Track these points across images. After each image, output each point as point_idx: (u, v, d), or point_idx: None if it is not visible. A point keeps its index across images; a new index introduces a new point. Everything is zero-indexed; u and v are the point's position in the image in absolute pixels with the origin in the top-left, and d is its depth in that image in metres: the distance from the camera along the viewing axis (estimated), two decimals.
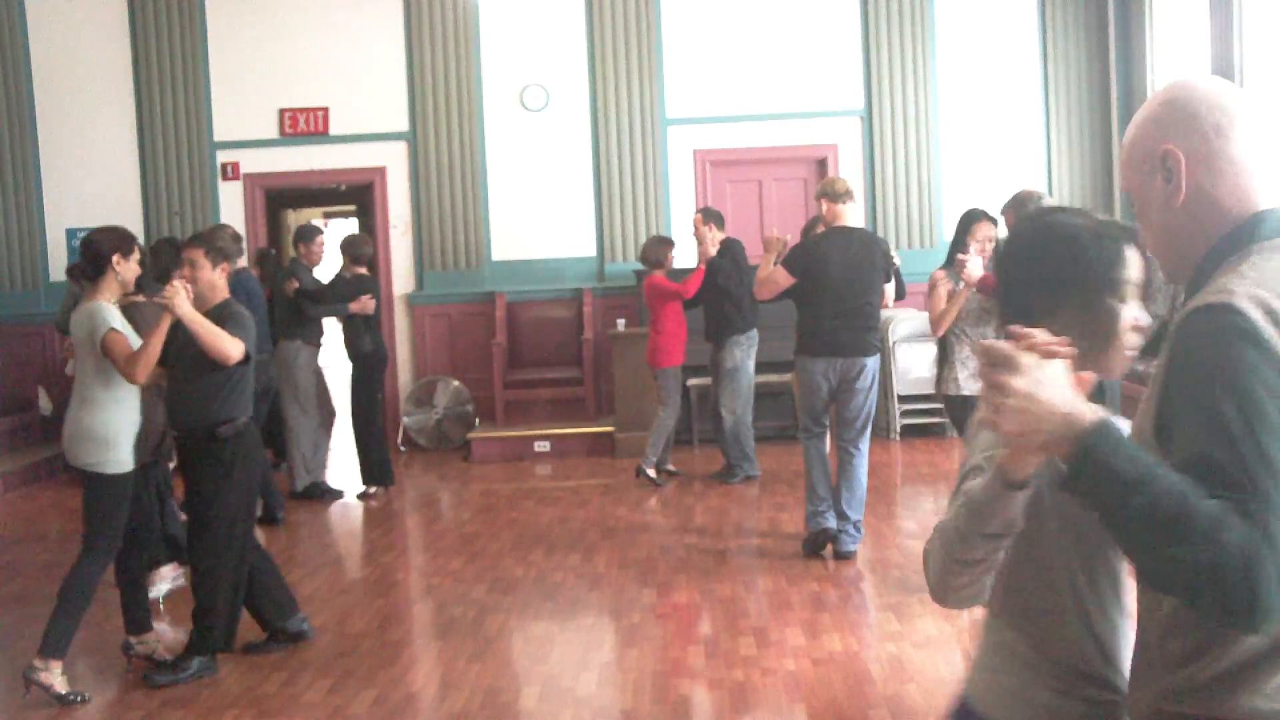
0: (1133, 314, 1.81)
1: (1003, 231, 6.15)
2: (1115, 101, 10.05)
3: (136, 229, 10.40)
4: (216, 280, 4.97)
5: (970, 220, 6.59)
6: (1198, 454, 1.44)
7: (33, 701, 4.62)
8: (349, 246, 8.43)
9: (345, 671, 4.90)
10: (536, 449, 9.52)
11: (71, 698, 4.63)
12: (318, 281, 8.43)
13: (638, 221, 10.39)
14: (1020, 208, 5.72)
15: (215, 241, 5.05)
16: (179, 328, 4.73)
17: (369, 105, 10.43)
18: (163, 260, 7.63)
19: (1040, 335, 1.52)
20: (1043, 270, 1.82)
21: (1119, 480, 1.42)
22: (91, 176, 10.40)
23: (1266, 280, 1.51)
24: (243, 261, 7.71)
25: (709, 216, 8.22)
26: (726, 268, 7.94)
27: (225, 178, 10.52)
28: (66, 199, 10.36)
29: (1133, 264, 1.81)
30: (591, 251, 10.47)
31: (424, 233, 10.40)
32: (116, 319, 4.75)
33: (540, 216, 10.49)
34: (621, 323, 9.60)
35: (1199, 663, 1.53)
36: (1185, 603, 1.45)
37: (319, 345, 8.40)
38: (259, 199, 10.69)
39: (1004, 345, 1.51)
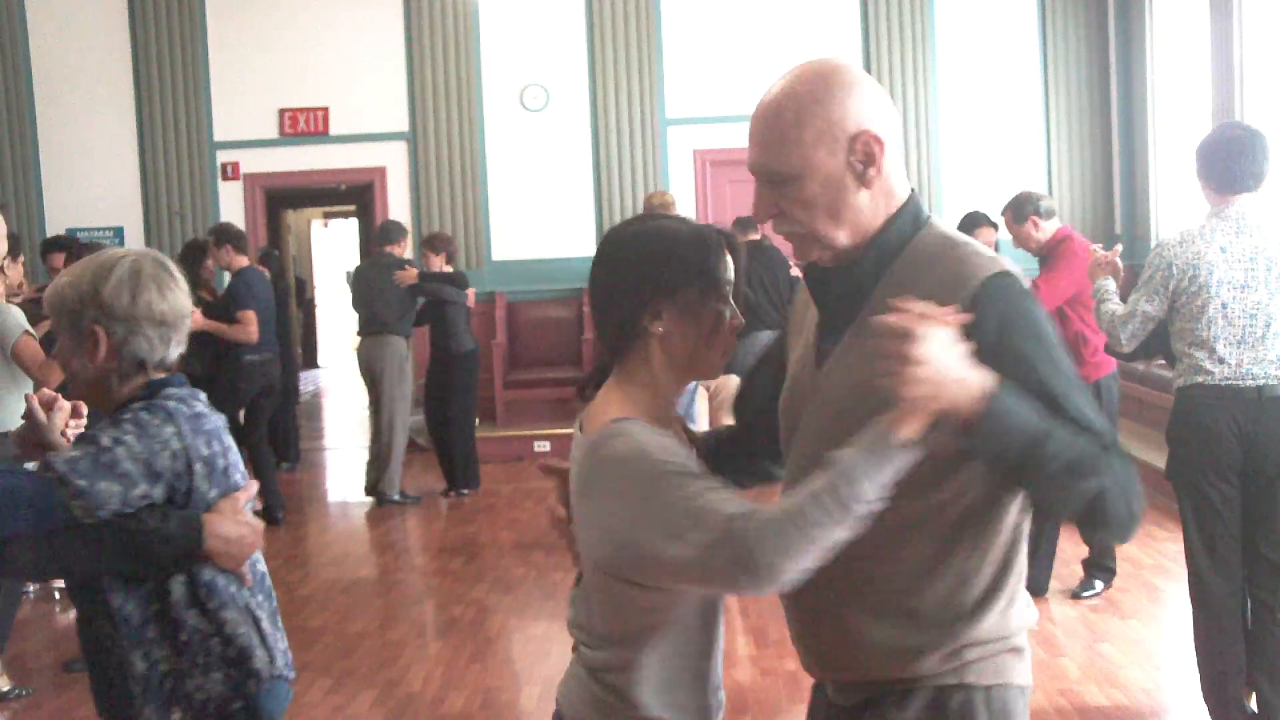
0: (734, 314, 1.83)
1: (1004, 235, 6.15)
2: (1115, 101, 10.05)
3: (136, 229, 10.43)
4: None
5: (972, 224, 6.57)
6: (1048, 398, 1.64)
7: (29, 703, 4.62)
8: (442, 243, 8.31)
9: (345, 671, 4.90)
10: (536, 449, 9.52)
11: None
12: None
13: None
14: (1029, 208, 5.73)
15: None
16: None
17: (369, 105, 10.42)
18: (190, 261, 7.64)
19: (924, 306, 1.57)
20: (647, 273, 1.78)
21: (1028, 432, 1.59)
22: (91, 176, 10.40)
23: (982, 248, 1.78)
24: (245, 260, 7.70)
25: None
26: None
27: (225, 178, 10.51)
28: (66, 199, 10.35)
29: (730, 265, 1.82)
30: (591, 251, 10.38)
31: (424, 233, 10.37)
32: (26, 321, 4.75)
33: (540, 216, 10.49)
34: None
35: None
36: (1084, 527, 1.72)
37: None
38: (259, 199, 10.69)
39: (902, 319, 1.55)
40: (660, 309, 1.77)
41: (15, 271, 5.46)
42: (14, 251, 5.61)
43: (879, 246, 1.77)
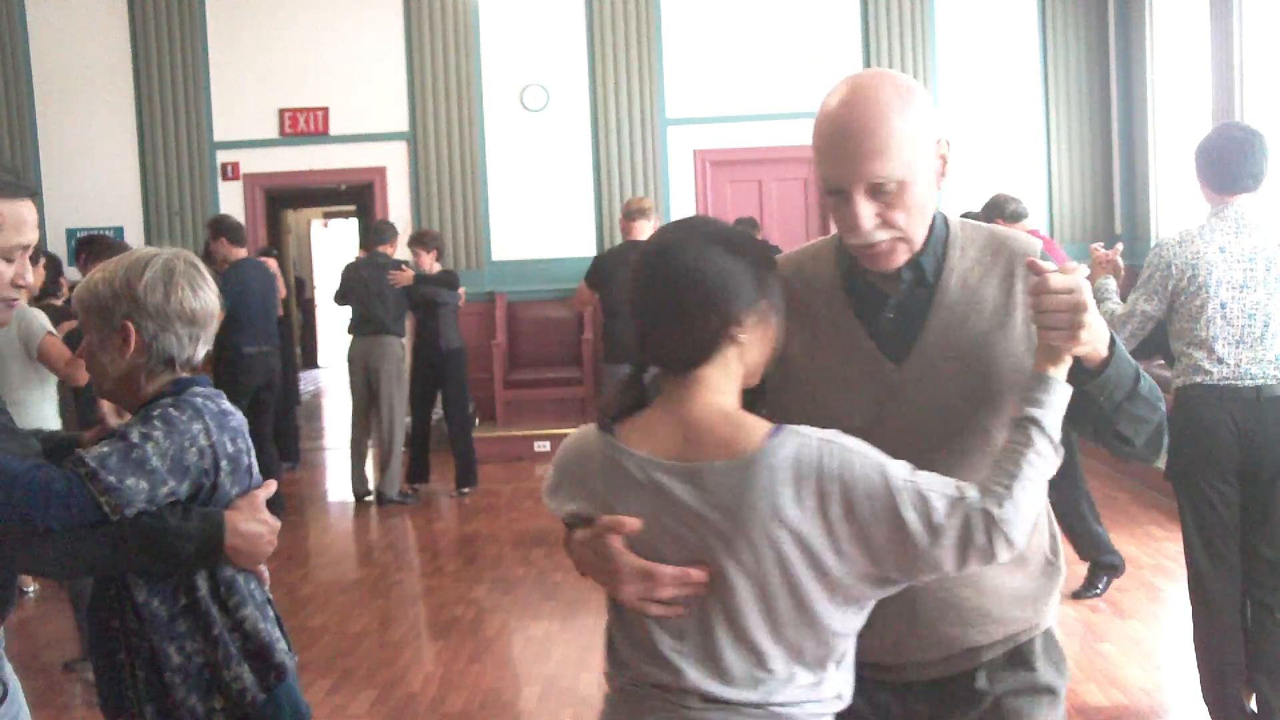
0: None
1: None
2: (1115, 101, 10.05)
3: (136, 229, 10.43)
4: None
5: None
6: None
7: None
8: (432, 240, 8.31)
9: (345, 671, 4.90)
10: (536, 449, 9.52)
11: None
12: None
13: None
14: (994, 211, 5.74)
15: None
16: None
17: (369, 105, 10.42)
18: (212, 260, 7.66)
19: (1069, 263, 1.78)
20: (741, 281, 1.73)
21: (1133, 367, 1.82)
22: (91, 176, 10.40)
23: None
24: (243, 251, 7.70)
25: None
26: None
27: (225, 178, 10.51)
28: (66, 199, 10.35)
29: None
30: (591, 251, 10.45)
31: None
32: (48, 322, 4.80)
33: (540, 216, 10.49)
34: None
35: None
36: (1143, 451, 1.88)
37: None
38: (259, 199, 10.69)
39: (1070, 274, 1.71)
40: (745, 318, 1.74)
41: (37, 275, 5.39)
42: (35, 256, 5.54)
43: (934, 241, 1.89)
